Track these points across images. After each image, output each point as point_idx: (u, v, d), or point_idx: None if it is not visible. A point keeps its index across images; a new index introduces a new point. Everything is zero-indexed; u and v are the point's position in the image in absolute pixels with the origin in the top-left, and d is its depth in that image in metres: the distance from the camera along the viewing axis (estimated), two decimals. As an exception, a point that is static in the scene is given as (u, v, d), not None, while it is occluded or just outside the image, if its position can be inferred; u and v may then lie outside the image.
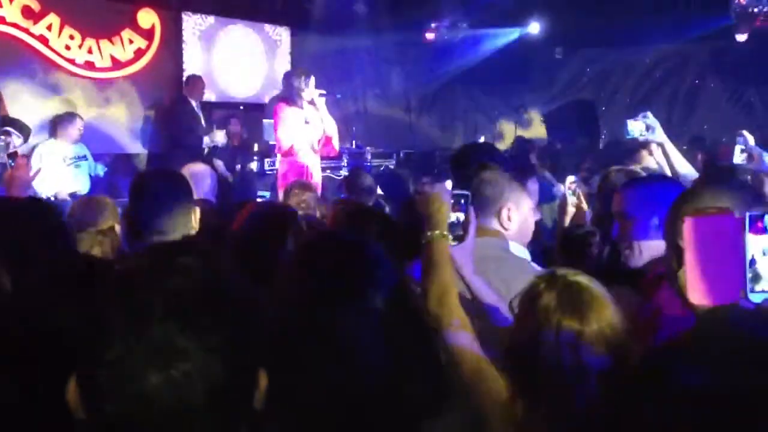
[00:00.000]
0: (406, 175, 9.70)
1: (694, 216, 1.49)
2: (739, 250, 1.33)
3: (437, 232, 1.88)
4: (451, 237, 1.92)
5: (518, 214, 2.33)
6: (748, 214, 1.34)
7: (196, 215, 2.44)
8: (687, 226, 1.45)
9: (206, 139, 8.01)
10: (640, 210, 2.19)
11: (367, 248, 1.44)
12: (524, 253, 2.38)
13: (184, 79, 8.82)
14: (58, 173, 6.81)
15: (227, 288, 1.00)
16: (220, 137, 8.04)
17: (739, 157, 3.92)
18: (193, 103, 8.14)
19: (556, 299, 1.45)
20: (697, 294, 1.41)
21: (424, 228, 1.92)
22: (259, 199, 4.58)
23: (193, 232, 2.42)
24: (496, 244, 2.28)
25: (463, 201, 1.97)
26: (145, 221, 2.31)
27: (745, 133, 4.08)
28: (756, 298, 1.31)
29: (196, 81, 8.37)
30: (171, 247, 1.08)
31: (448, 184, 2.34)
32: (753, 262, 1.33)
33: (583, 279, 1.50)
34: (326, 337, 1.32)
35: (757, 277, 1.32)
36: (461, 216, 1.96)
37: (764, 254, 1.33)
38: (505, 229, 2.31)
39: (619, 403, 1.01)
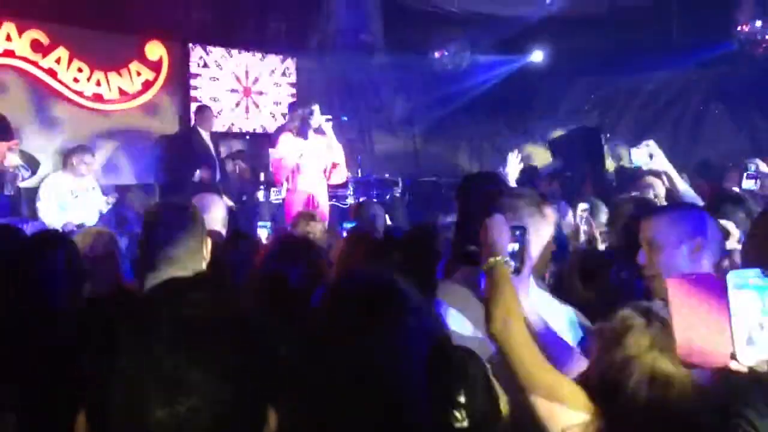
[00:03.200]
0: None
1: (676, 277, 1.46)
2: (724, 311, 1.28)
3: (499, 258, 1.91)
4: (512, 265, 1.94)
5: (538, 241, 2.28)
6: (730, 273, 1.30)
7: (207, 246, 2.47)
8: (669, 288, 1.41)
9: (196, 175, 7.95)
10: (670, 238, 2.18)
11: (398, 284, 1.45)
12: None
13: (192, 109, 8.92)
14: (66, 205, 6.84)
15: (237, 320, 1.01)
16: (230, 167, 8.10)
17: (746, 183, 3.92)
18: (203, 134, 8.18)
19: (651, 337, 1.47)
20: (686, 357, 1.37)
21: (484, 255, 1.95)
22: (262, 230, 4.59)
23: (204, 262, 2.45)
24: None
25: (519, 233, 1.99)
26: (157, 251, 2.34)
27: (759, 161, 4.07)
28: (747, 361, 1.27)
29: (205, 111, 8.43)
30: (183, 281, 1.09)
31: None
32: (740, 321, 1.27)
33: None
34: (354, 367, 1.33)
35: (746, 337, 1.27)
36: (516, 246, 1.98)
37: (748, 312, 1.27)
38: None
39: None
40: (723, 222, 2.54)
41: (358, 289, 1.45)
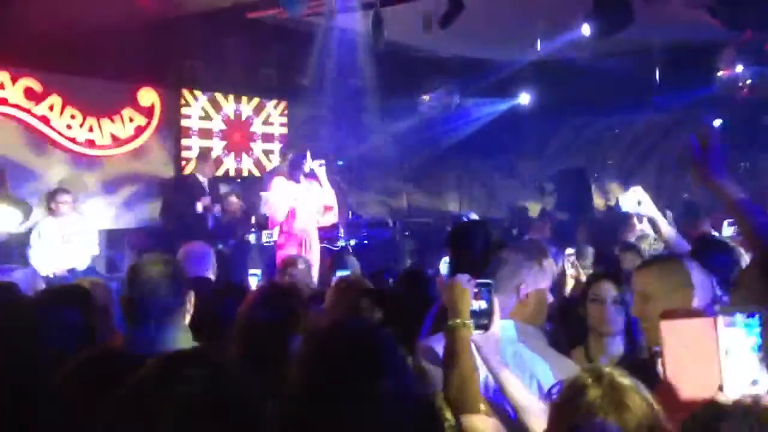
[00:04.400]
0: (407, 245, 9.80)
1: (669, 318, 1.53)
2: (713, 346, 1.37)
3: (458, 320, 1.92)
4: (473, 325, 1.93)
5: (536, 293, 2.32)
6: (719, 312, 1.40)
7: (190, 299, 2.50)
8: (663, 324, 1.49)
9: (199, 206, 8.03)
10: (659, 289, 2.20)
11: (374, 337, 1.47)
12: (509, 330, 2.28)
13: (184, 154, 9.02)
14: (56, 250, 6.85)
15: (232, 394, 1.04)
16: (217, 209, 8.16)
17: (727, 231, 3.96)
18: (201, 178, 8.24)
19: (601, 397, 1.49)
20: (676, 392, 1.47)
21: (447, 316, 1.95)
22: (253, 278, 4.63)
23: (188, 315, 2.48)
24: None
25: (485, 289, 1.96)
26: (139, 308, 2.38)
27: None
28: (733, 394, 1.36)
29: (205, 157, 8.50)
30: (179, 356, 1.12)
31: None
32: (728, 356, 1.37)
33: (626, 379, 1.53)
34: (332, 426, 1.34)
35: (734, 371, 1.36)
36: (483, 304, 1.95)
37: (736, 348, 1.37)
38: (523, 306, 2.29)
39: None
40: None
41: (337, 348, 1.47)
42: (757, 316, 1.41)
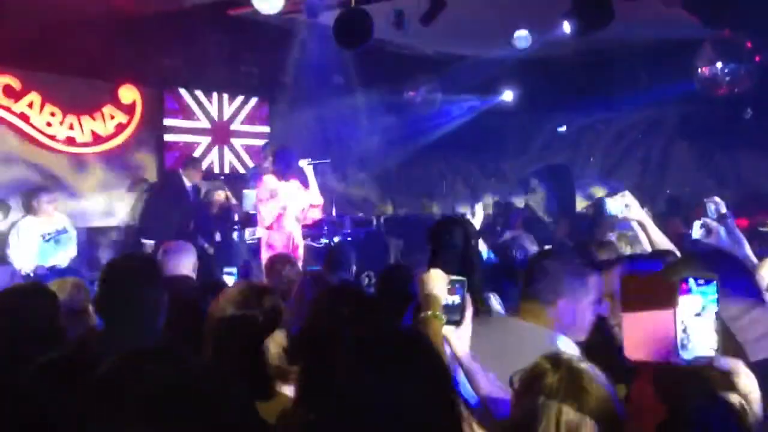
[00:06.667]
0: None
1: (629, 274, 1.56)
2: (671, 310, 1.41)
3: (430, 312, 1.98)
4: (444, 319, 1.98)
5: (576, 308, 2.29)
6: (677, 279, 1.43)
7: (165, 298, 2.49)
8: (622, 284, 1.54)
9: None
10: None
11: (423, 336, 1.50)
12: (572, 349, 2.25)
13: (164, 150, 8.97)
14: (36, 249, 6.80)
15: (198, 390, 1.04)
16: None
17: (697, 233, 3.96)
18: (187, 183, 8.19)
19: (559, 382, 1.51)
20: (632, 349, 1.51)
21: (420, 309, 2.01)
22: (229, 277, 4.61)
23: (160, 316, 2.47)
24: (545, 335, 2.24)
25: (459, 285, 2.02)
26: (111, 308, 2.37)
27: (717, 199, 4.09)
28: (687, 356, 1.40)
29: (195, 163, 8.45)
30: (144, 353, 1.12)
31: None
32: (685, 320, 1.41)
33: (585, 365, 1.55)
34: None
35: (687, 336, 1.40)
36: (456, 299, 2.00)
37: (692, 314, 1.41)
38: (559, 320, 2.27)
39: None
40: None
41: (386, 342, 1.51)
42: (713, 282, 1.45)
